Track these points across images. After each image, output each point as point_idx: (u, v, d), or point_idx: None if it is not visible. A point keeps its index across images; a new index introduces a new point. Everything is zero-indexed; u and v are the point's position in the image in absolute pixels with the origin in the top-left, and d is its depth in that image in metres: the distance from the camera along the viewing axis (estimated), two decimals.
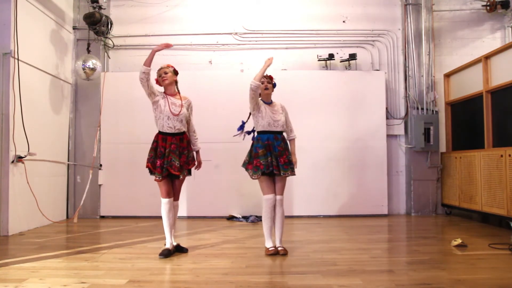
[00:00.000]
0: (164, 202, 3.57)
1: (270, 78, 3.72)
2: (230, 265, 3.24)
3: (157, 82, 3.70)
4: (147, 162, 3.57)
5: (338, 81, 5.97)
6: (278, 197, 3.61)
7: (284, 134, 3.76)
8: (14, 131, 4.51)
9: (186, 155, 3.63)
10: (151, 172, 3.57)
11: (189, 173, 3.72)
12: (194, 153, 3.79)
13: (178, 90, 3.74)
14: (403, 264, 3.27)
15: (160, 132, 3.60)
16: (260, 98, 3.71)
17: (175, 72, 3.71)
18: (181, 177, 3.61)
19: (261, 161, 3.52)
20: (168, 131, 3.56)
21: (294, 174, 3.68)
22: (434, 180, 5.99)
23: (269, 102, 3.74)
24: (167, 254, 3.48)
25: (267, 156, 3.54)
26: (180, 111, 3.58)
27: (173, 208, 3.65)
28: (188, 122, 3.74)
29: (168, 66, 3.70)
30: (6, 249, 3.86)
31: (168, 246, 3.56)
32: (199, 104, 5.92)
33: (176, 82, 3.71)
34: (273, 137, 3.61)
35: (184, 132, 3.66)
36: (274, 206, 3.61)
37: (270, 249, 3.57)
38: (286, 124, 3.77)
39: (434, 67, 6.10)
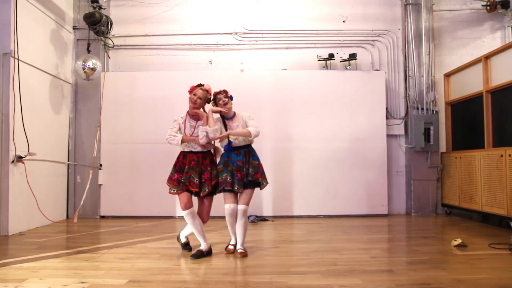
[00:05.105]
0: (185, 214, 3.46)
1: (225, 92, 3.62)
2: (230, 265, 3.24)
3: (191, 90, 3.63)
4: (167, 180, 3.57)
5: (338, 81, 5.97)
6: (240, 206, 3.51)
7: (252, 145, 3.66)
8: (14, 131, 4.51)
9: (210, 172, 3.56)
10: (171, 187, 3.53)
11: (214, 191, 3.60)
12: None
13: (204, 110, 3.65)
14: (403, 264, 3.27)
15: (182, 151, 3.61)
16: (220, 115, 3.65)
17: (209, 101, 3.66)
18: (201, 193, 3.51)
19: (218, 179, 3.53)
20: (187, 151, 3.57)
21: (259, 186, 3.57)
22: (434, 180, 5.98)
23: (231, 117, 3.63)
24: (198, 255, 3.45)
25: (223, 172, 3.52)
26: (193, 132, 3.56)
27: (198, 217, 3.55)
28: None
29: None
30: (6, 249, 3.86)
31: (202, 247, 3.52)
32: None
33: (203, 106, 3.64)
34: (234, 153, 3.56)
35: (208, 151, 3.63)
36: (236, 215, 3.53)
37: (228, 247, 3.65)
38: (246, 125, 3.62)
39: (434, 67, 6.10)
